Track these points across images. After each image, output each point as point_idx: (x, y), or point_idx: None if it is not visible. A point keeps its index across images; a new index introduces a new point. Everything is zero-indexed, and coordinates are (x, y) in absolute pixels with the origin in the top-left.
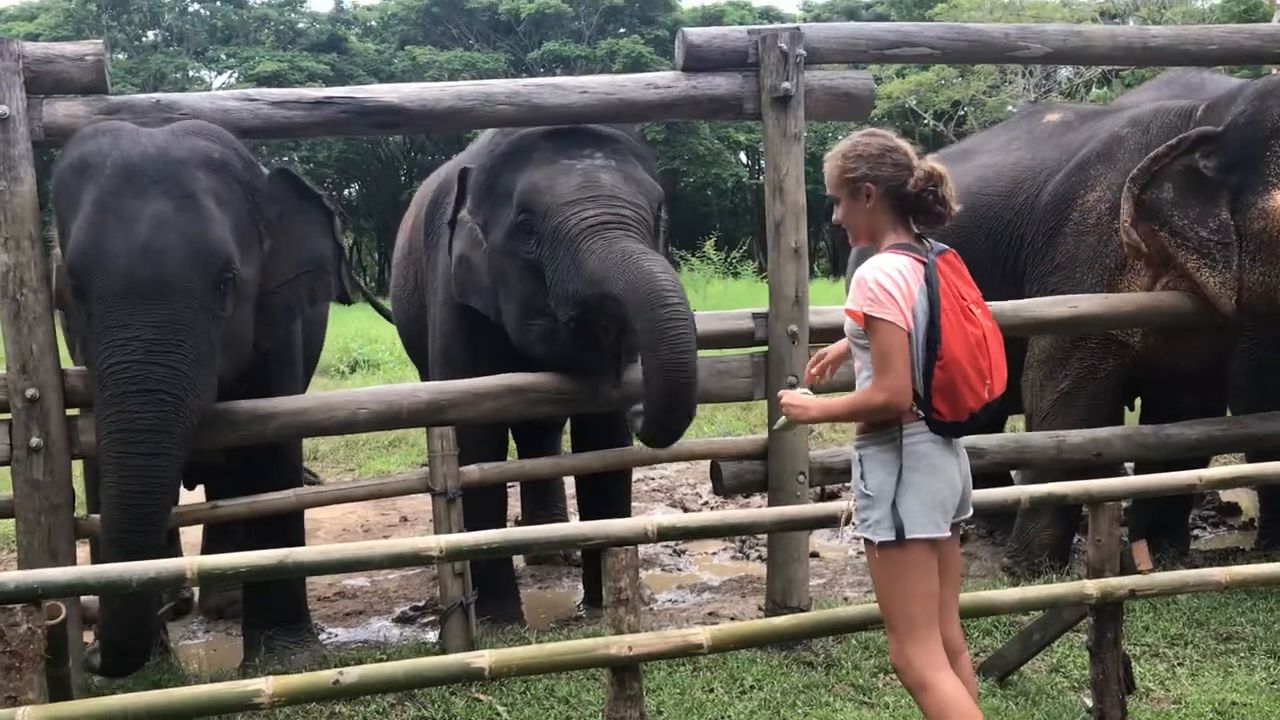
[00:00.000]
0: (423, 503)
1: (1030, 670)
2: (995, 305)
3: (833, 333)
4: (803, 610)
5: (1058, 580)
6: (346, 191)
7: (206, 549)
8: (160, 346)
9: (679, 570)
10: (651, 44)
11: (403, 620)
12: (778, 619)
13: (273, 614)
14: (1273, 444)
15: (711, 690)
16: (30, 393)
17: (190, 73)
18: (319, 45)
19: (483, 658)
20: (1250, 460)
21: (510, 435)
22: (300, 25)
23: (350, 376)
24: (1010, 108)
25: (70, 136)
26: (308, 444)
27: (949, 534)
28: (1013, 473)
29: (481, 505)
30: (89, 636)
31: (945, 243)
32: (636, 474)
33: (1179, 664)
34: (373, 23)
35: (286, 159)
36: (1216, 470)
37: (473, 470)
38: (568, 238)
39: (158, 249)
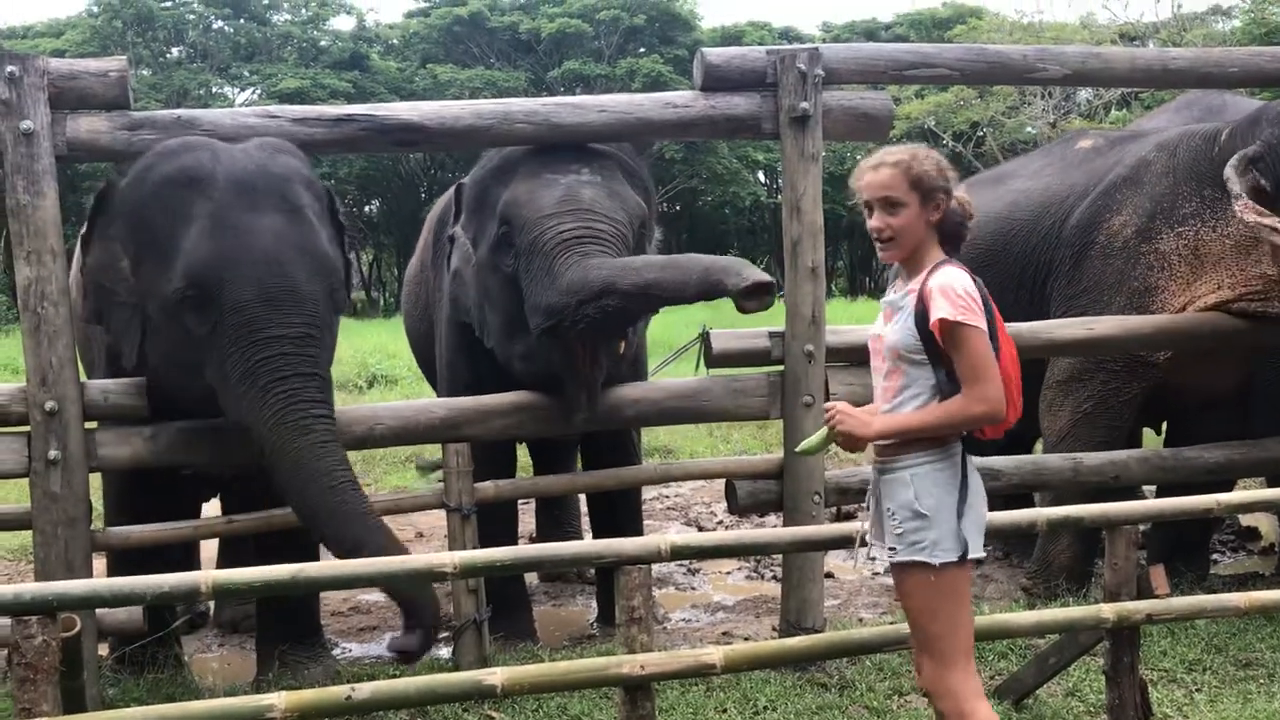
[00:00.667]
0: (439, 518)
1: (1046, 694)
2: (1012, 327)
3: (849, 352)
4: (817, 631)
5: (1075, 603)
6: (367, 208)
7: (222, 563)
8: (303, 343)
9: (693, 589)
10: (671, 63)
11: None
12: (792, 640)
13: (287, 629)
14: None
15: (724, 711)
16: (49, 405)
17: (214, 89)
18: (341, 63)
19: (495, 675)
20: (1271, 484)
21: (530, 453)
22: (323, 43)
23: (368, 391)
24: (1029, 129)
25: (93, 150)
26: None
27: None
28: (1035, 495)
29: (496, 522)
30: (104, 650)
31: (975, 267)
32: (651, 492)
33: (1197, 690)
34: (395, 41)
35: None
36: (1235, 494)
37: (488, 487)
38: (543, 251)
39: (284, 261)
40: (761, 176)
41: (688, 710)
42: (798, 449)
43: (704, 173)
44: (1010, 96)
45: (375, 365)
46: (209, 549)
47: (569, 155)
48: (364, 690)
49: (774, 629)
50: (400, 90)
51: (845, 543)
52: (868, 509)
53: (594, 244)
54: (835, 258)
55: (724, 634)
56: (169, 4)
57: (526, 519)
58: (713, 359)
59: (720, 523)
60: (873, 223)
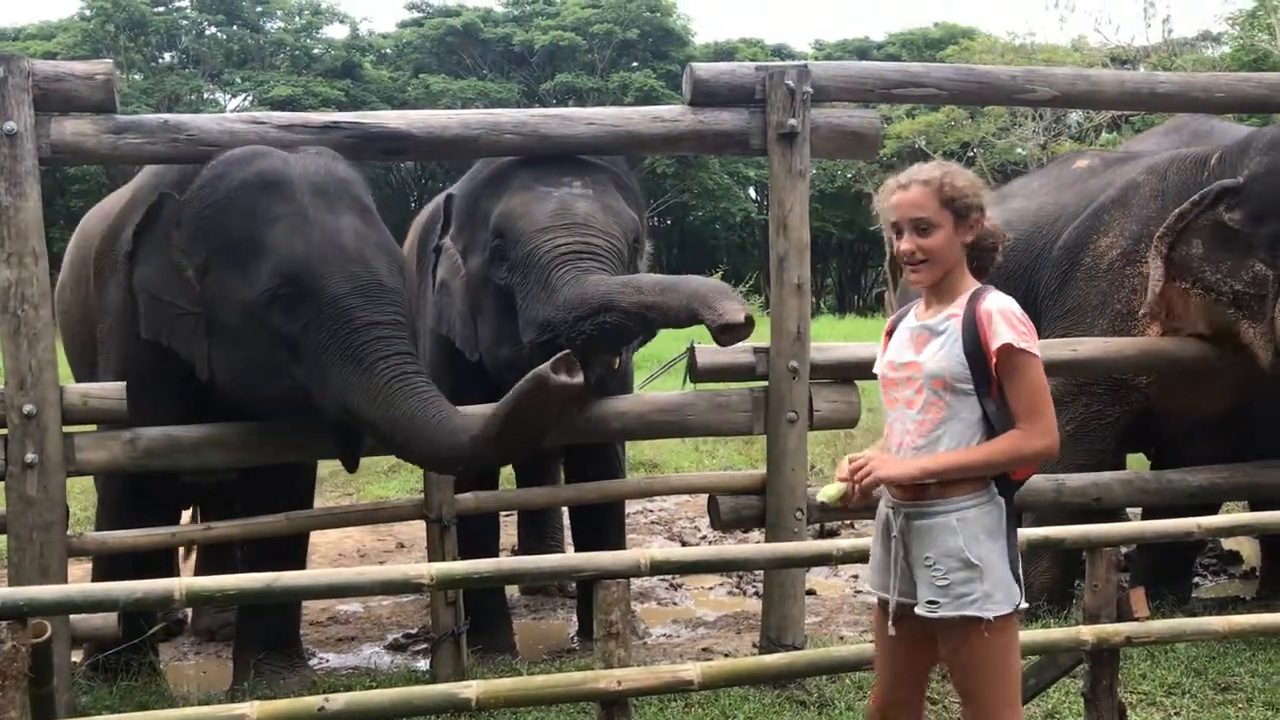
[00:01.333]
0: (420, 529)
1: (1025, 715)
2: None
3: (833, 369)
4: (797, 648)
5: (1055, 625)
6: None
7: (200, 570)
8: (397, 328)
9: (674, 604)
10: (664, 78)
11: (395, 647)
12: (770, 657)
13: (264, 637)
14: (1275, 492)
15: None
16: (27, 409)
17: (205, 95)
18: (333, 71)
19: (470, 688)
20: (1253, 509)
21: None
22: (316, 51)
23: None
24: (1020, 150)
25: (78, 153)
26: None
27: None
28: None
29: (476, 534)
30: (78, 656)
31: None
32: (635, 506)
33: (1176, 713)
34: (388, 50)
35: None
36: (1216, 518)
37: (468, 498)
38: (539, 265)
39: (368, 257)
40: (753, 192)
41: None
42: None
43: (695, 188)
44: (1001, 117)
45: None
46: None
47: (562, 167)
48: (338, 701)
49: (754, 645)
50: (392, 99)
51: (826, 559)
52: (881, 555)
53: (591, 259)
54: (824, 275)
55: (704, 650)
56: (162, 9)
57: (509, 531)
58: (698, 374)
59: (704, 538)
60: (903, 245)
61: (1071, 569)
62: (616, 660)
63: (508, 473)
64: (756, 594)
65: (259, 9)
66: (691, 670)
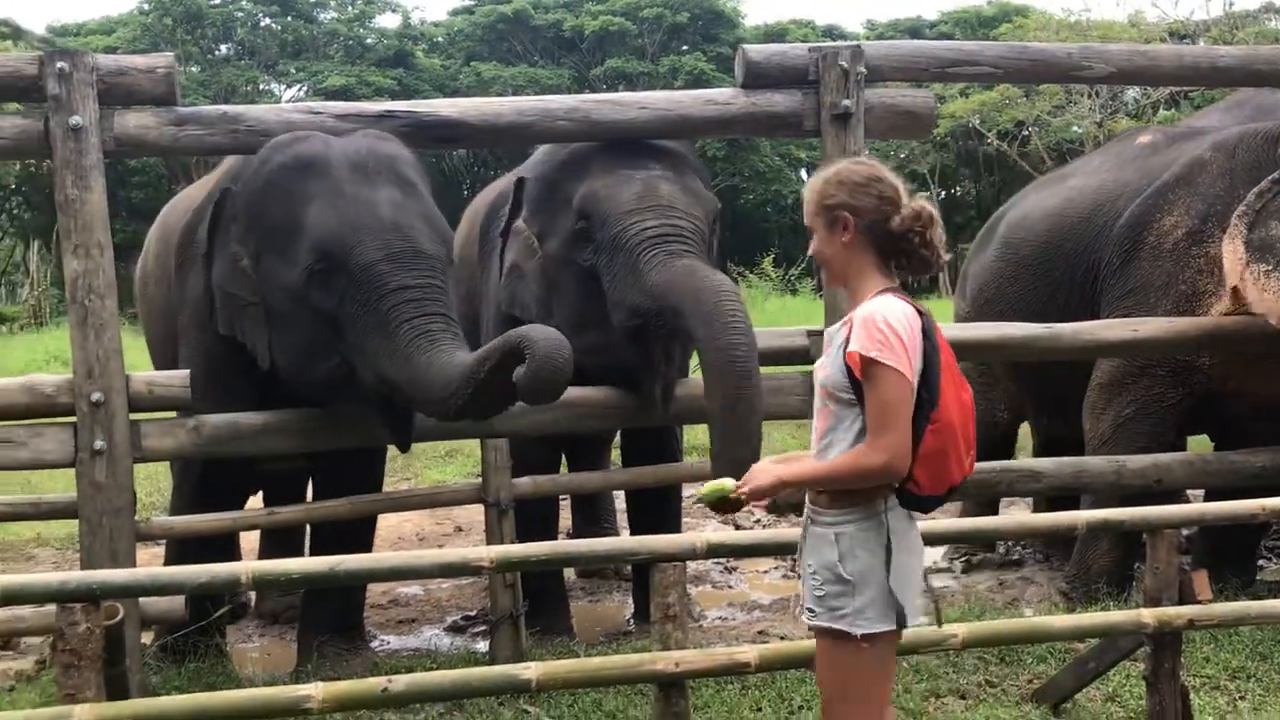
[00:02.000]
0: (478, 513)
1: (1085, 699)
2: (1054, 329)
3: None
4: None
5: (1115, 608)
6: None
7: (264, 555)
8: (428, 291)
9: (729, 588)
10: (714, 61)
11: (454, 629)
12: None
13: (328, 620)
14: None
15: (759, 710)
16: (95, 397)
17: (260, 86)
18: (386, 60)
19: (530, 669)
20: None
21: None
22: (368, 41)
23: None
24: (1075, 128)
25: (140, 146)
26: None
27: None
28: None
29: (533, 517)
30: (148, 638)
31: (1030, 265)
32: (691, 490)
33: (1240, 698)
34: (439, 39)
35: None
36: None
37: (525, 482)
38: (626, 247)
39: (404, 225)
40: (804, 174)
41: (722, 709)
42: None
43: (746, 170)
44: (1056, 95)
45: None
46: (250, 541)
47: (640, 150)
48: (400, 682)
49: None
50: (444, 88)
51: None
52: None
53: (677, 242)
54: None
55: (760, 633)
56: (218, 1)
57: (564, 516)
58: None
59: (758, 521)
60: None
61: (1131, 552)
62: (674, 642)
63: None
64: None
65: (312, 0)
66: (749, 653)
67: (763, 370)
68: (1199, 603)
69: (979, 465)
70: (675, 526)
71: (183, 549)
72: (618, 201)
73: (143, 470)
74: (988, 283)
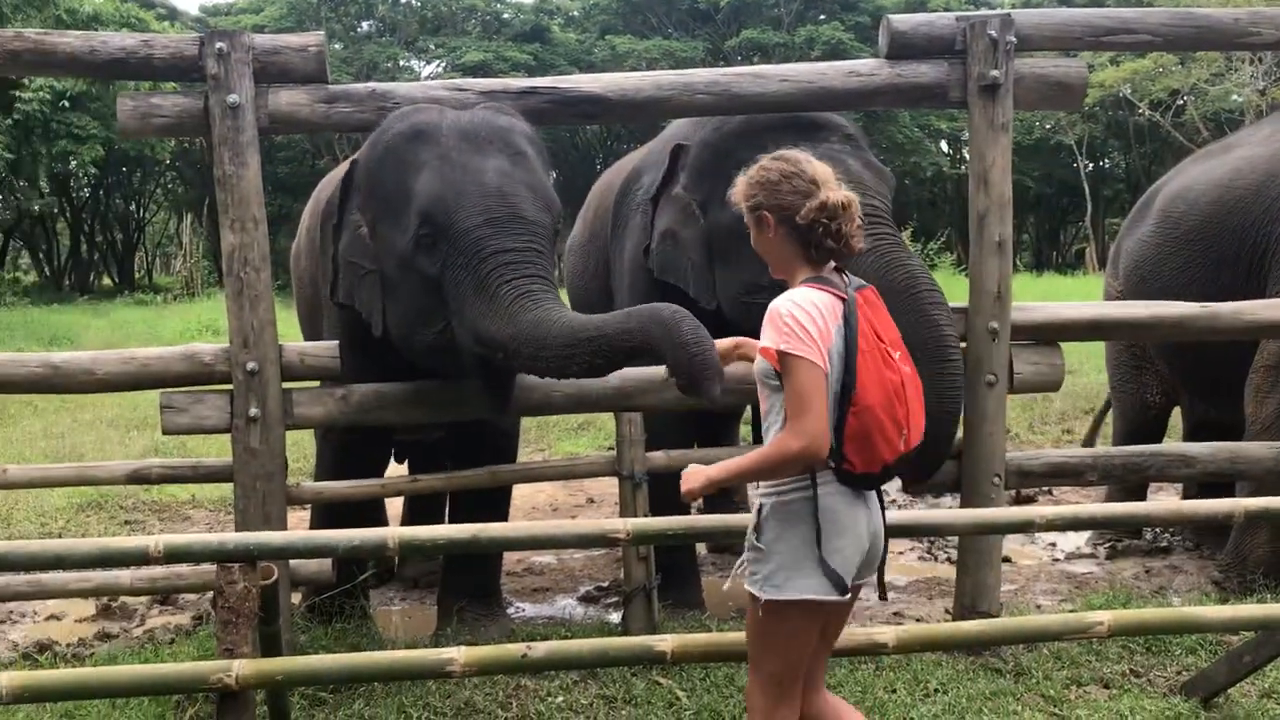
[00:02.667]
0: (609, 485)
1: (1239, 694)
2: (1212, 308)
3: (1033, 330)
4: (992, 616)
5: (1272, 600)
6: None
7: (407, 521)
8: (527, 254)
9: None
10: (852, 30)
11: (587, 600)
12: (966, 623)
13: (468, 587)
14: None
15: (894, 691)
16: (250, 366)
17: (400, 62)
18: (522, 35)
19: (665, 641)
20: None
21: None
22: (505, 16)
23: None
24: (1235, 97)
25: (292, 123)
26: None
27: (844, 597)
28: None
29: (667, 491)
30: (296, 598)
31: (1191, 240)
32: None
33: None
34: (574, 13)
35: None
36: None
37: (659, 456)
38: None
39: (508, 192)
40: (944, 146)
41: (856, 688)
42: None
43: (884, 142)
44: (1215, 62)
45: None
46: (394, 509)
47: (815, 126)
48: (539, 649)
49: (946, 611)
50: (579, 62)
51: (1028, 527)
52: None
53: (874, 222)
54: (1020, 230)
55: (895, 614)
56: None
57: None
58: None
59: (894, 501)
60: None
61: None
62: None
63: None
64: (948, 560)
65: None
66: (886, 633)
67: None
68: None
69: (1126, 449)
70: None
71: (328, 514)
72: None
73: (290, 437)
74: (1143, 259)
